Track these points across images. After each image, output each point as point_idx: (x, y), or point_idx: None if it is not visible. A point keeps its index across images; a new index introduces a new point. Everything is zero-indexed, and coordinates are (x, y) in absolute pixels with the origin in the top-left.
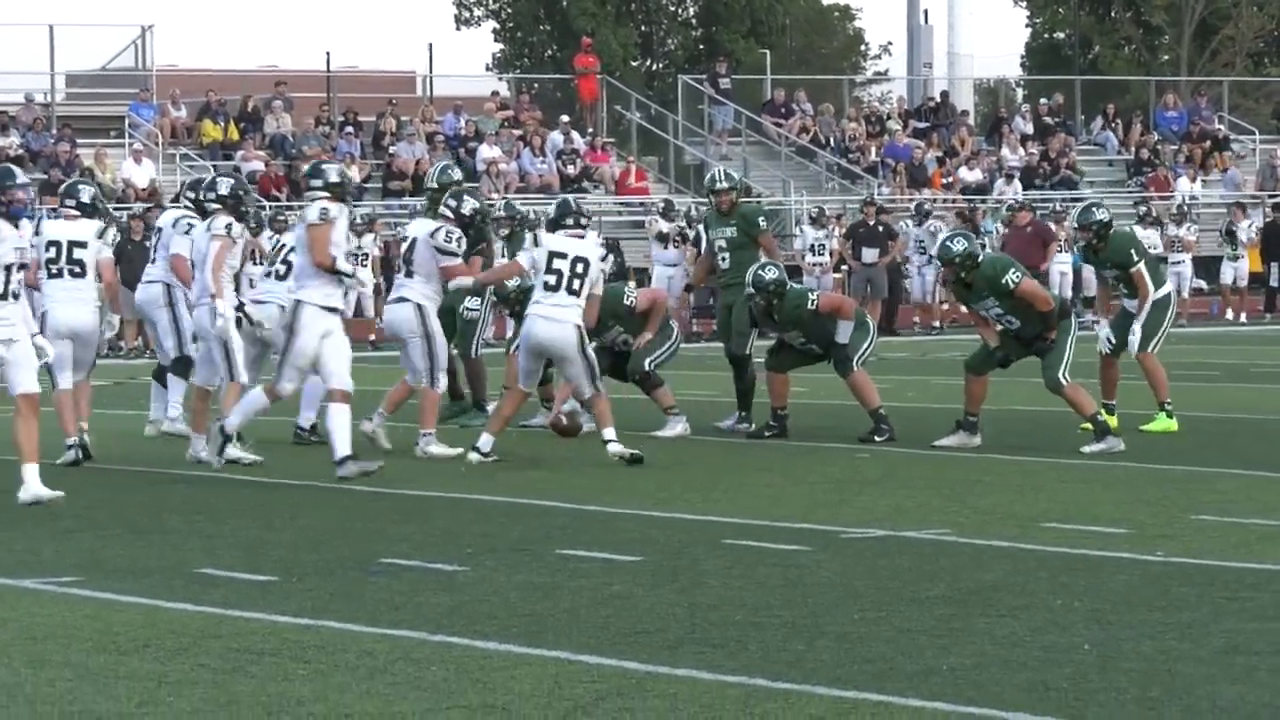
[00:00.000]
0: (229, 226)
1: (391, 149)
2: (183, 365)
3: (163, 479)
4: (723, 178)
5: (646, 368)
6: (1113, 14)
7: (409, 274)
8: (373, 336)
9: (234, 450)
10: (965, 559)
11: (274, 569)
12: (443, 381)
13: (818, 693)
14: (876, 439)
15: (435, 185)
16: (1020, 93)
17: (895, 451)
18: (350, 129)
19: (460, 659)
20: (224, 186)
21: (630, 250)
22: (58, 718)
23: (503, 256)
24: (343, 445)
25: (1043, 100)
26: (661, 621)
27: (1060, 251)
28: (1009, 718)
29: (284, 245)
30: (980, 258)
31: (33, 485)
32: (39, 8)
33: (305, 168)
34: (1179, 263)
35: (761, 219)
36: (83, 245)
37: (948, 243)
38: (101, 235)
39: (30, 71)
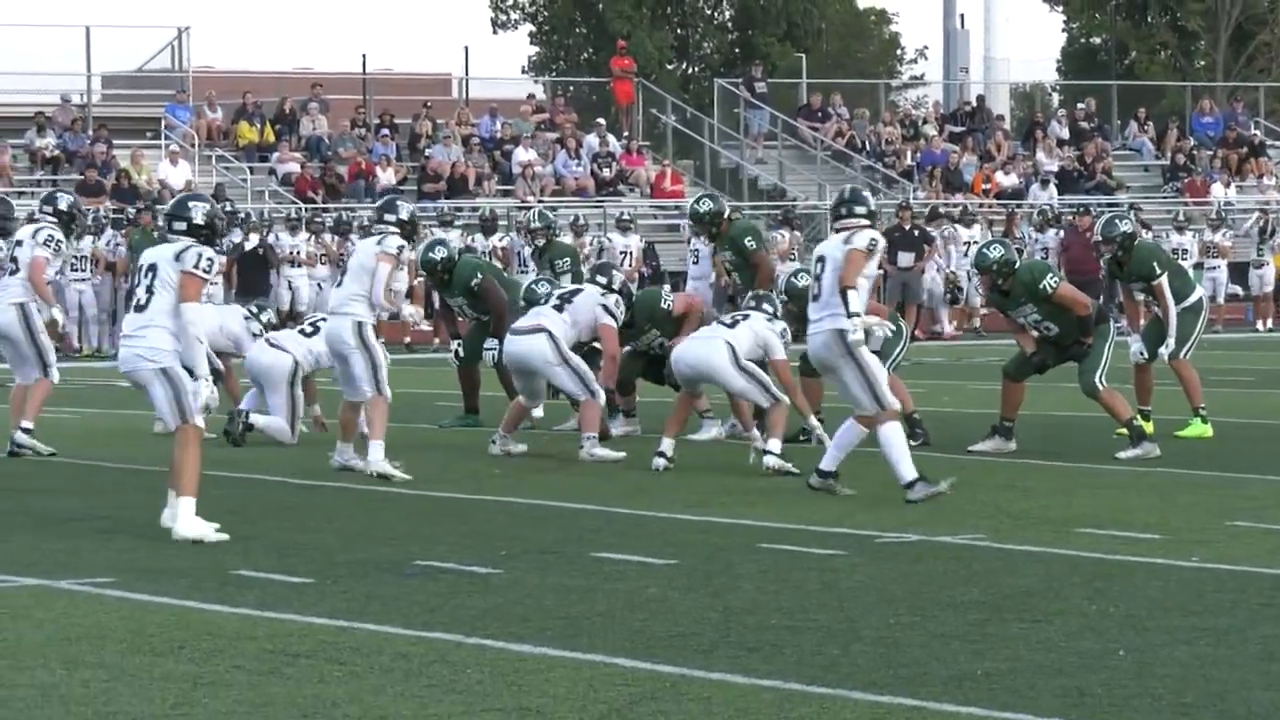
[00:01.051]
0: (401, 249)
1: (427, 152)
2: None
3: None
4: (692, 211)
5: None
6: (1149, 19)
7: (559, 308)
8: (408, 339)
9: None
10: (1000, 564)
11: (309, 570)
12: (601, 393)
13: (853, 697)
14: (912, 443)
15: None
16: (1056, 97)
17: (930, 456)
18: (386, 131)
19: (495, 661)
20: (404, 211)
21: (665, 254)
22: (93, 718)
23: (531, 268)
24: (908, 469)
25: (1079, 105)
26: (696, 625)
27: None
28: None
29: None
30: (1017, 264)
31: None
32: (75, 9)
33: (845, 193)
34: (1215, 268)
35: (749, 239)
36: (19, 244)
37: (984, 250)
38: (35, 235)
39: (67, 73)
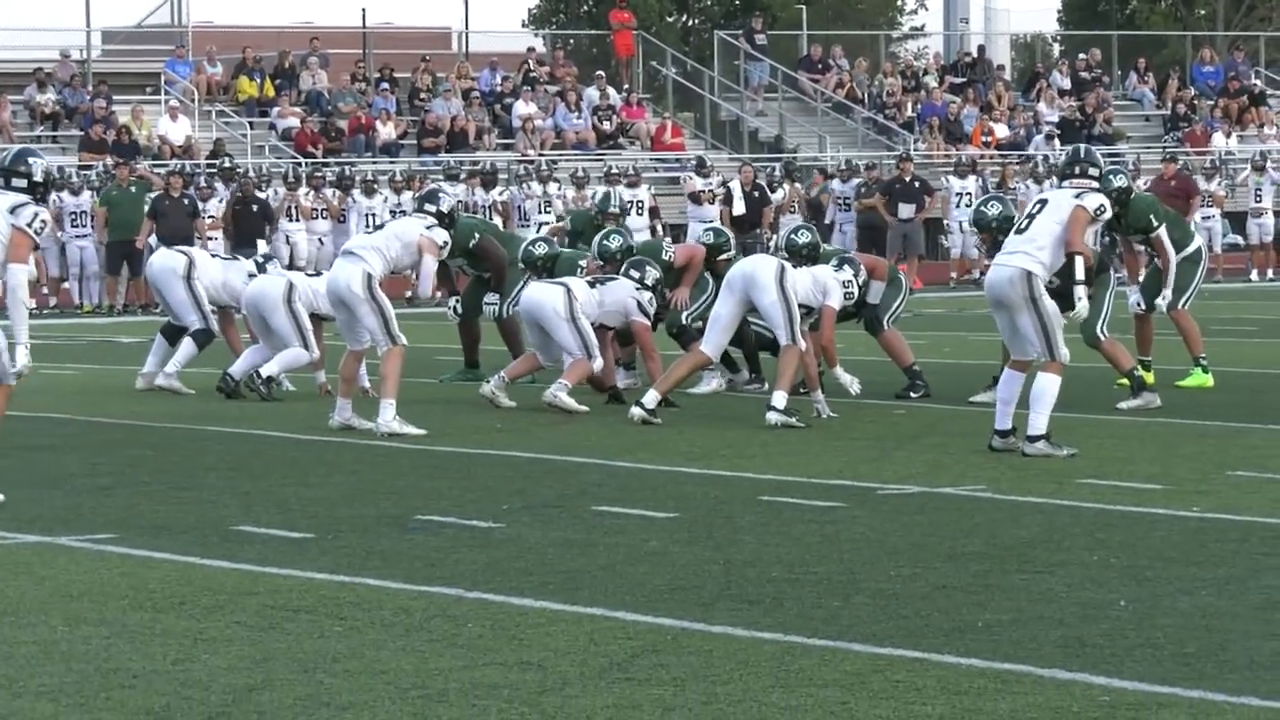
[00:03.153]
0: (446, 244)
1: (427, 106)
2: (205, 336)
3: (201, 436)
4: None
5: (683, 322)
6: None
7: (591, 285)
8: (409, 293)
9: None
10: (1001, 515)
11: (310, 526)
12: (599, 359)
13: (854, 649)
14: (912, 395)
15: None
16: (1057, 48)
17: (932, 408)
18: (386, 85)
19: (496, 616)
20: (445, 204)
21: (666, 206)
22: (94, 675)
23: (531, 223)
24: (1043, 422)
25: (1080, 56)
26: (697, 578)
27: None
28: (1044, 674)
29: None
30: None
31: None
32: None
33: (1080, 152)
34: (1209, 218)
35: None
36: None
37: (982, 208)
38: None
39: (66, 28)
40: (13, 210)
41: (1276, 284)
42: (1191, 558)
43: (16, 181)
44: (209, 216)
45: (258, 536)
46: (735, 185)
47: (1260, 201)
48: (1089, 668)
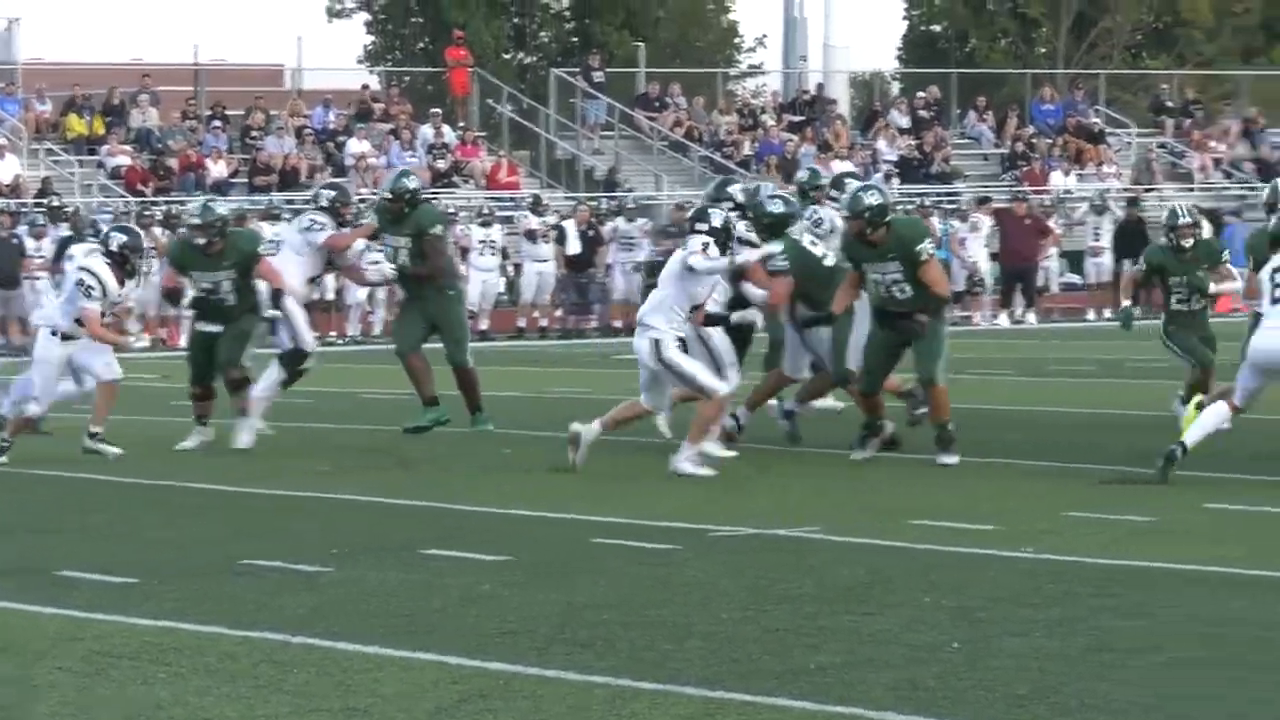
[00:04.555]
0: (706, 245)
1: (259, 143)
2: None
3: (28, 480)
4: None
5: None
6: (989, 6)
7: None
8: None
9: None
10: (833, 556)
11: (135, 570)
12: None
13: (686, 693)
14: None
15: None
16: (896, 86)
17: (768, 450)
18: (218, 123)
19: (323, 661)
20: (717, 219)
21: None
22: None
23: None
24: None
25: (919, 94)
26: (530, 622)
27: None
28: (876, 717)
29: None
30: (889, 216)
31: None
32: None
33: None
34: (1048, 256)
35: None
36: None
37: (860, 194)
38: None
39: None
40: None
41: (1113, 324)
42: (1024, 599)
43: None
44: (39, 256)
45: (82, 581)
46: (570, 225)
47: (1099, 240)
48: (922, 710)
